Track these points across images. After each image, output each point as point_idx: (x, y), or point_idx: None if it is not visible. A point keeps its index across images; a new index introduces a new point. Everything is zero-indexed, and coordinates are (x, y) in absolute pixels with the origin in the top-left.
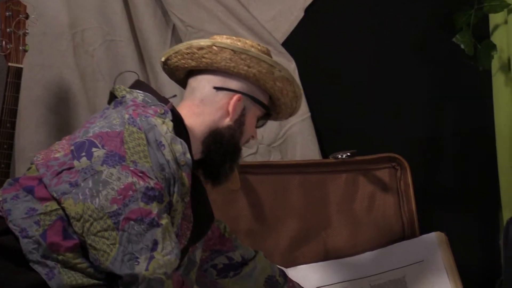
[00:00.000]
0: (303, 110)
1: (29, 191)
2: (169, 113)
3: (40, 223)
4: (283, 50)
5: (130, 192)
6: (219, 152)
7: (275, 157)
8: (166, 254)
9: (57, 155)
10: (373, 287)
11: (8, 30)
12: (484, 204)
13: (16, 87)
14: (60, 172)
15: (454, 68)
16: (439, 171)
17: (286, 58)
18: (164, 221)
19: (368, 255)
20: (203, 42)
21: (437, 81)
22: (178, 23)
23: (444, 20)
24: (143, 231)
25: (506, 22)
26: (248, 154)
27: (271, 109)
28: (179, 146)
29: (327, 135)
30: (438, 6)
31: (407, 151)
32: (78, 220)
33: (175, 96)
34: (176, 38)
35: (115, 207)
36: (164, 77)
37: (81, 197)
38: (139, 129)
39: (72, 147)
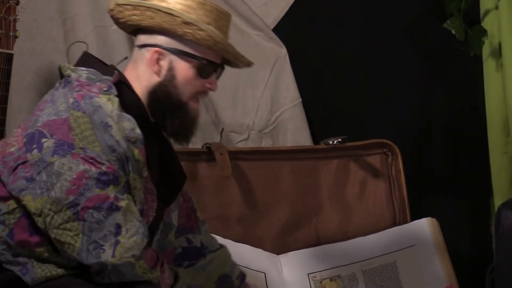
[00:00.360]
0: (294, 96)
1: None
2: (113, 88)
3: (6, 222)
4: (274, 36)
5: (84, 181)
6: (159, 111)
7: (266, 143)
8: (132, 236)
9: (12, 149)
10: (364, 272)
11: None
12: (475, 190)
13: (7, 73)
14: (16, 168)
15: (445, 53)
16: (430, 157)
17: (277, 44)
18: (124, 202)
19: (359, 240)
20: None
21: (428, 67)
22: None
23: (435, 6)
24: (103, 218)
25: (496, 7)
26: (239, 140)
27: (211, 58)
28: (127, 122)
29: (318, 121)
30: None
31: (398, 137)
32: (39, 216)
33: (126, 58)
34: None
35: (71, 197)
36: None
37: (38, 192)
38: (84, 112)
39: (25, 139)
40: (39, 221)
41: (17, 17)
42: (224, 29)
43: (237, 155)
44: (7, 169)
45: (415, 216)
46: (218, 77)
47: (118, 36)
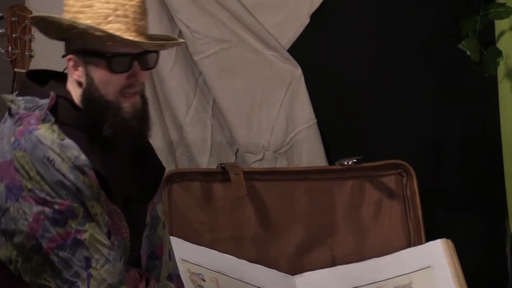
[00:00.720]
0: (309, 116)
1: None
2: (49, 115)
3: None
4: (289, 56)
5: (40, 222)
6: (95, 118)
7: (281, 164)
8: (103, 265)
9: None
10: None
11: (14, 35)
12: (491, 211)
13: None
14: None
15: (460, 74)
16: (445, 177)
17: (292, 64)
18: (86, 234)
19: (374, 261)
20: None
21: (443, 87)
22: (183, 29)
23: (450, 26)
24: (69, 255)
25: (511, 28)
26: (254, 160)
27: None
28: (70, 151)
29: (333, 142)
30: (444, 12)
31: (413, 157)
32: (10, 263)
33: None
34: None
35: (33, 241)
36: (171, 83)
37: (3, 239)
38: (25, 151)
39: None
40: (12, 268)
41: (33, 36)
42: (132, 17)
43: (252, 176)
44: None
45: (430, 237)
46: (145, 66)
47: None
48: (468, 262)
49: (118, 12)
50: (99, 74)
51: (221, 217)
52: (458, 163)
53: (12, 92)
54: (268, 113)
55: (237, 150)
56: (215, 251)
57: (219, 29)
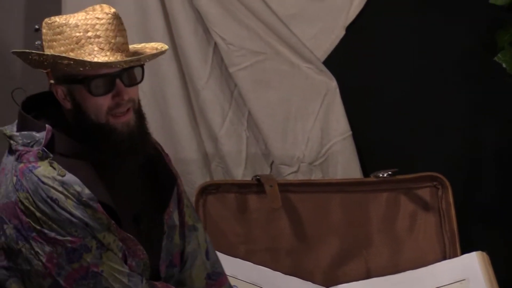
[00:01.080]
0: (344, 128)
1: None
2: (46, 152)
3: None
4: (325, 68)
5: (54, 261)
6: (89, 142)
7: (316, 176)
8: None
9: None
10: None
11: None
12: None
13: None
14: None
15: (495, 86)
16: (481, 191)
17: (328, 76)
18: (103, 266)
19: (409, 273)
20: None
21: (479, 100)
22: (219, 41)
23: (486, 39)
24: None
25: None
26: (289, 172)
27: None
28: (73, 187)
29: (368, 154)
30: (480, 25)
31: (449, 170)
32: None
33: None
34: (217, 55)
35: (50, 281)
36: (206, 95)
37: (20, 279)
38: (27, 192)
39: None
40: None
41: None
42: (104, 36)
43: (287, 188)
44: None
45: (466, 249)
46: (130, 82)
47: (169, 67)
48: (504, 275)
49: (88, 34)
50: (83, 99)
51: (256, 229)
52: (494, 175)
53: None
54: (303, 125)
55: (272, 162)
56: (250, 263)
57: (254, 41)
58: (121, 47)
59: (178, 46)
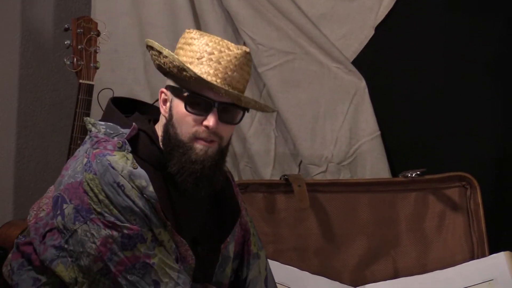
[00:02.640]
0: (373, 128)
1: (29, 260)
2: (127, 144)
3: None
4: (354, 68)
5: (108, 246)
6: (167, 155)
7: (344, 176)
8: None
9: (42, 214)
10: None
11: (79, 47)
12: None
13: (87, 104)
14: (44, 236)
15: None
16: (509, 190)
17: (357, 76)
18: (155, 258)
19: (437, 273)
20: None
21: (509, 100)
22: (248, 41)
23: None
24: (138, 278)
25: None
26: (318, 172)
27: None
28: (139, 180)
29: (397, 154)
30: (510, 25)
31: (477, 170)
32: (75, 285)
33: (157, 101)
34: None
35: (100, 265)
36: None
37: (69, 260)
38: (95, 174)
39: (52, 203)
40: None
41: (98, 48)
42: (224, 65)
43: (315, 187)
44: (38, 236)
45: (494, 249)
46: (225, 119)
47: None
48: None
49: (212, 56)
50: (178, 112)
51: (284, 228)
52: None
53: (77, 104)
54: (332, 125)
55: (301, 161)
56: (278, 263)
57: (283, 41)
58: (234, 84)
59: None
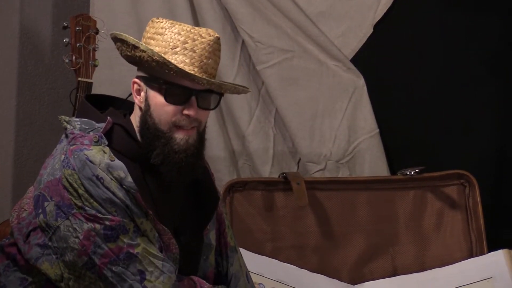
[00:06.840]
0: (372, 126)
1: (14, 261)
2: (103, 137)
3: None
4: (352, 66)
5: (91, 239)
6: (145, 145)
7: (343, 173)
8: (157, 277)
9: (24, 214)
10: None
11: (78, 45)
12: None
13: None
14: (28, 235)
15: None
16: (508, 189)
17: (355, 74)
18: (139, 248)
19: (436, 271)
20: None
21: (507, 99)
22: (247, 39)
23: None
24: (123, 269)
25: None
26: (316, 170)
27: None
28: (117, 172)
29: (395, 151)
30: (509, 23)
31: (475, 168)
32: (61, 281)
33: (131, 95)
34: (245, 53)
35: (85, 259)
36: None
37: (54, 257)
38: (73, 169)
39: (33, 203)
40: (63, 286)
41: (97, 46)
42: (199, 53)
43: (313, 185)
44: (22, 236)
45: (492, 247)
46: (204, 105)
47: None
48: None
49: (186, 45)
50: (156, 102)
51: (283, 226)
52: None
53: (76, 101)
54: (331, 123)
55: (299, 159)
56: (276, 261)
57: (282, 39)
58: (210, 70)
59: None
